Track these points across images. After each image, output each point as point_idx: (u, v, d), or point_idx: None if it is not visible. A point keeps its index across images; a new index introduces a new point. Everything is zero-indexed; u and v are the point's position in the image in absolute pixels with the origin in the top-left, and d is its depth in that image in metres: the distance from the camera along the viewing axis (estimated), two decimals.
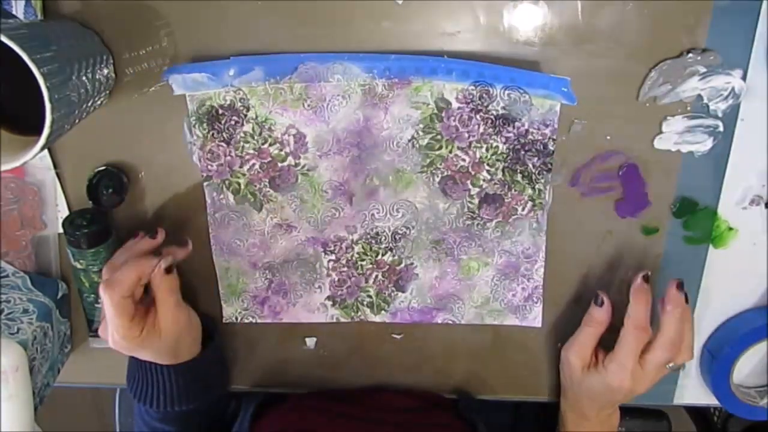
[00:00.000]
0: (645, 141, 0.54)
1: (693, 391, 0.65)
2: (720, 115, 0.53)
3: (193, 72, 0.51)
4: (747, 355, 0.60)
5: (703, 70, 0.51)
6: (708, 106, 0.52)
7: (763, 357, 0.62)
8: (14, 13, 0.49)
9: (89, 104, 0.48)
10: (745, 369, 0.63)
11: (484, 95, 0.52)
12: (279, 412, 0.63)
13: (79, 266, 0.56)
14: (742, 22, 0.50)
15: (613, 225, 0.58)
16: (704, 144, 0.54)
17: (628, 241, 0.58)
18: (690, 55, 0.50)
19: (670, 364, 0.55)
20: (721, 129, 0.53)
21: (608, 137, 0.54)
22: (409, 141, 0.54)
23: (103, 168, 0.56)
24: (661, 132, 0.54)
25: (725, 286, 0.60)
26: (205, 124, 0.54)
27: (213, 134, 0.54)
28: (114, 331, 0.52)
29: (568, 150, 0.55)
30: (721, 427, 0.93)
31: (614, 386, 0.55)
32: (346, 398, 0.64)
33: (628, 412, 0.82)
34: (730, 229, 0.57)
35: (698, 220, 0.57)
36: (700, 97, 0.52)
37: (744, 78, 0.51)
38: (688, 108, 0.53)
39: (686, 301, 0.54)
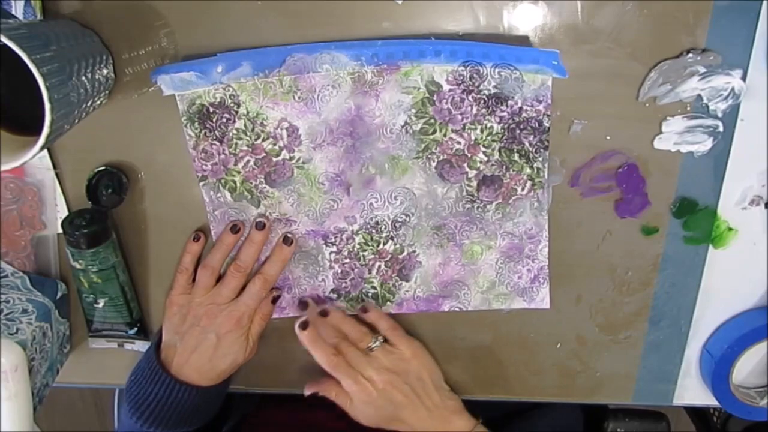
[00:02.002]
0: (645, 141, 0.54)
1: (693, 391, 0.65)
2: (720, 115, 0.53)
3: (181, 71, 0.51)
4: (747, 355, 0.60)
5: (703, 70, 0.51)
6: (708, 106, 0.52)
7: (763, 357, 0.62)
8: (14, 13, 0.49)
9: (89, 104, 0.48)
10: (745, 369, 0.63)
11: (474, 75, 0.52)
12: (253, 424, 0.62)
13: (78, 266, 0.56)
14: (742, 22, 0.50)
15: (613, 225, 0.58)
16: (704, 144, 0.54)
17: (628, 241, 0.58)
18: (690, 55, 0.50)
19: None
20: (721, 129, 0.53)
21: (608, 137, 0.54)
22: (403, 127, 0.54)
23: (103, 168, 0.56)
24: (661, 132, 0.54)
25: (725, 286, 0.60)
26: (196, 124, 0.54)
27: (205, 133, 0.54)
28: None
29: (568, 150, 0.55)
30: (721, 428, 0.93)
31: None
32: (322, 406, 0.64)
33: (627, 412, 0.82)
34: (730, 229, 0.57)
35: (698, 220, 0.57)
36: (700, 97, 0.52)
37: (744, 78, 0.51)
38: (688, 108, 0.53)
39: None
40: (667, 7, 0.49)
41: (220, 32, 0.51)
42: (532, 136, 0.54)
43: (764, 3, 0.49)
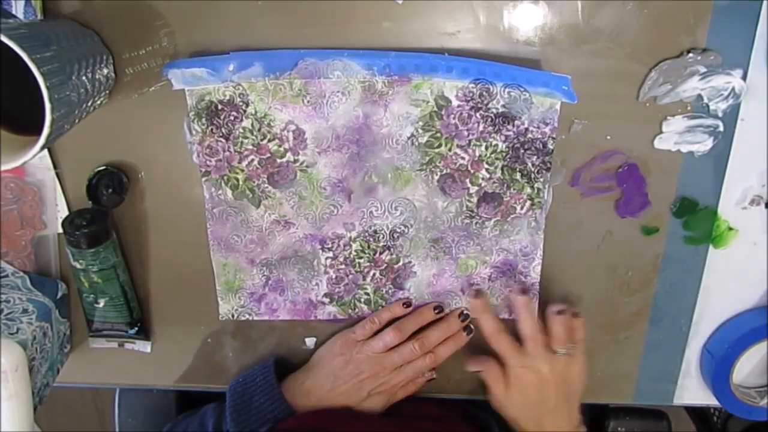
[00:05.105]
0: (645, 141, 0.54)
1: (693, 391, 0.65)
2: (720, 114, 0.53)
3: (193, 67, 0.51)
4: (747, 355, 0.60)
5: (703, 69, 0.51)
6: (708, 106, 0.52)
7: (763, 357, 0.62)
8: (14, 13, 0.49)
9: (89, 104, 0.48)
10: (745, 369, 0.63)
11: (484, 93, 0.52)
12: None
13: (78, 266, 0.56)
14: (742, 22, 0.50)
15: (613, 225, 0.58)
16: (704, 144, 0.54)
17: (628, 241, 0.58)
18: (690, 55, 0.50)
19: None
20: (721, 129, 0.53)
21: (608, 137, 0.54)
22: (409, 138, 0.54)
23: (103, 168, 0.56)
24: (661, 132, 0.54)
25: (725, 286, 0.60)
26: (203, 120, 0.54)
27: (212, 129, 0.54)
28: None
29: (568, 150, 0.55)
30: (721, 427, 0.93)
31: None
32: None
33: (628, 411, 0.82)
34: (730, 229, 0.57)
35: (698, 220, 0.57)
36: (700, 97, 0.52)
37: (744, 78, 0.51)
38: (689, 108, 0.53)
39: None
40: (668, 7, 0.49)
41: (221, 32, 0.51)
42: (535, 157, 0.54)
43: (764, 3, 0.49)
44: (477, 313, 0.59)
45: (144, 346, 0.64)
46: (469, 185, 0.56)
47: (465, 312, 0.61)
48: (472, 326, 0.61)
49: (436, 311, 0.61)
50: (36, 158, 0.45)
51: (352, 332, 0.61)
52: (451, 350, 0.60)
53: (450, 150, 0.54)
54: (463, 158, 0.55)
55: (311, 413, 0.58)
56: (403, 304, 0.61)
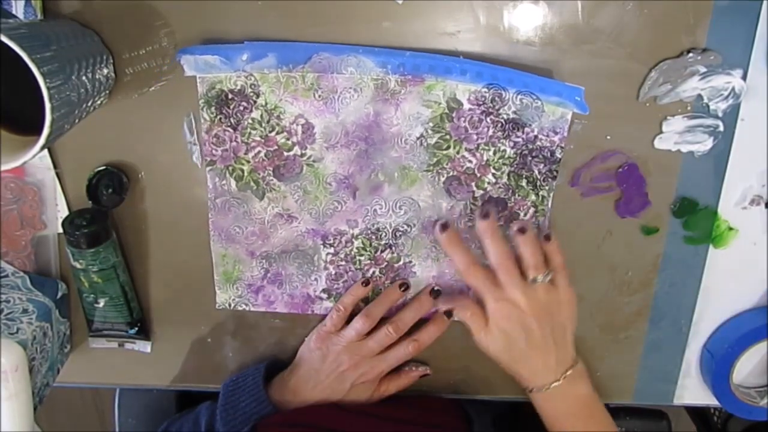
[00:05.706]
0: (645, 141, 0.54)
1: (693, 391, 0.65)
2: (720, 114, 0.53)
3: (206, 54, 0.51)
4: (747, 355, 0.60)
5: (703, 69, 0.51)
6: (708, 106, 0.52)
7: (763, 357, 0.63)
8: (14, 13, 0.49)
9: (89, 104, 0.48)
10: (745, 369, 0.63)
11: (496, 98, 0.52)
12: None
13: (78, 266, 0.56)
14: (742, 22, 0.50)
15: (613, 225, 0.58)
16: (704, 144, 0.54)
17: (628, 241, 0.58)
18: (690, 54, 0.50)
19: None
20: (721, 129, 0.53)
21: (608, 137, 0.54)
22: (418, 139, 0.54)
23: (103, 168, 0.56)
24: (661, 132, 0.54)
25: (725, 286, 0.60)
26: (213, 108, 0.54)
27: (220, 119, 0.54)
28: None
29: (568, 150, 0.55)
30: (721, 427, 0.93)
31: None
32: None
33: (628, 411, 0.82)
34: (730, 229, 0.57)
35: (698, 220, 0.57)
36: (700, 96, 0.52)
37: (744, 78, 0.51)
38: (689, 108, 0.53)
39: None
40: (668, 7, 0.49)
41: (221, 32, 0.51)
42: (542, 165, 0.54)
43: (764, 3, 0.49)
44: (446, 248, 0.56)
45: (144, 346, 0.64)
46: (475, 189, 0.56)
47: (436, 288, 0.59)
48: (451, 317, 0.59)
49: (402, 289, 0.59)
50: (36, 158, 0.45)
51: (323, 325, 0.60)
52: (433, 335, 0.59)
53: (458, 153, 0.55)
54: (470, 161, 0.55)
55: (297, 409, 0.58)
56: (362, 283, 0.59)
